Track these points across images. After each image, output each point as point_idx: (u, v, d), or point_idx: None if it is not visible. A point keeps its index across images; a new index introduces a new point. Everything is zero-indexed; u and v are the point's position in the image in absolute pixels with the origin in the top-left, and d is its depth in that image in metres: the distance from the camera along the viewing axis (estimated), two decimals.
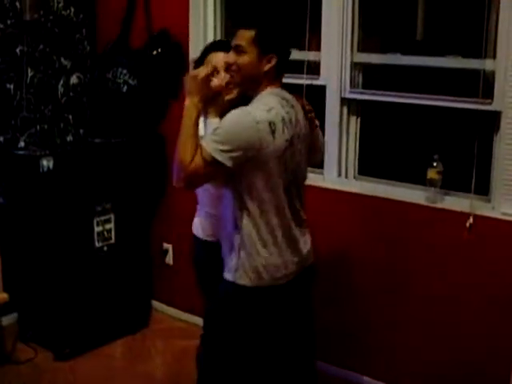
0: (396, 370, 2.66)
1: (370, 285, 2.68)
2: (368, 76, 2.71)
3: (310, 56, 2.76)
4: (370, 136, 2.79)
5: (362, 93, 2.69)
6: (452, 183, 2.52)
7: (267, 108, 1.85)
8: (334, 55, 2.68)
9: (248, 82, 1.91)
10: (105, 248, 3.06)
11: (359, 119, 2.76)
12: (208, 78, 1.89)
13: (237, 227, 1.90)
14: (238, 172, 1.84)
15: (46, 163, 2.81)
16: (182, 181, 1.84)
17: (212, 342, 2.06)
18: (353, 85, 2.70)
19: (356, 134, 2.77)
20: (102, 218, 3.03)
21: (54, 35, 3.23)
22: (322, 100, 2.75)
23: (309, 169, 2.80)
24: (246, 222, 1.88)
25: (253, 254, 1.89)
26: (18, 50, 3.09)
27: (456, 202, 2.47)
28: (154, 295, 3.40)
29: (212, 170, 1.81)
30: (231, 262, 1.93)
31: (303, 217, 2.04)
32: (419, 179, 2.56)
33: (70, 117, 3.37)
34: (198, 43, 2.97)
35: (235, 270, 1.91)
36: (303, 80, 2.76)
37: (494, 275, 2.37)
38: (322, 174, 2.81)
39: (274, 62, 1.89)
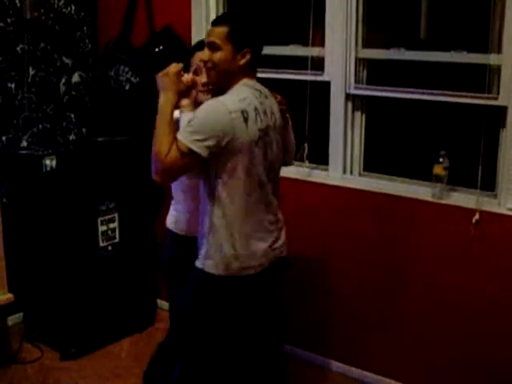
0: (404, 367, 2.67)
1: (376, 281, 2.67)
2: (372, 72, 2.70)
3: (314, 52, 2.75)
4: (375, 132, 2.78)
5: (366, 88, 2.68)
6: (458, 179, 2.51)
7: (240, 98, 1.89)
8: (339, 51, 2.66)
9: (223, 77, 1.94)
10: (109, 247, 3.05)
11: (364, 115, 2.75)
12: (179, 73, 1.93)
13: (208, 216, 1.93)
14: (211, 161, 1.86)
15: (49, 163, 2.80)
16: (159, 174, 1.86)
17: (182, 327, 2.07)
18: (357, 80, 2.68)
19: (361, 130, 2.76)
20: (106, 217, 3.02)
21: (55, 33, 3.21)
22: (326, 96, 2.73)
23: (314, 165, 2.84)
24: (217, 211, 1.91)
25: (222, 243, 1.91)
26: (18, 49, 3.07)
27: (462, 198, 2.47)
28: (159, 294, 3.40)
29: (188, 161, 1.83)
30: (202, 250, 1.96)
31: (276, 210, 2.05)
32: (425, 175, 2.55)
33: (73, 115, 3.35)
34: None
35: (205, 258, 1.94)
36: (307, 76, 2.75)
37: (500, 271, 2.37)
38: (326, 170, 2.81)
39: (248, 56, 1.93)
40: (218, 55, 1.91)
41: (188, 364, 2.07)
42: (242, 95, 1.90)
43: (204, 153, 1.81)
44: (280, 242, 2.06)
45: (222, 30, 1.91)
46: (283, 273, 2.12)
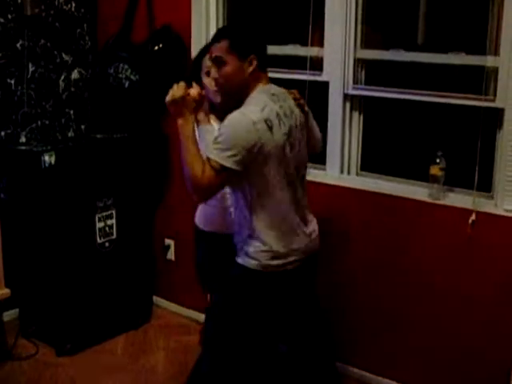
0: (404, 368, 2.68)
1: (372, 281, 2.68)
2: (371, 72, 2.71)
3: (312, 52, 2.75)
4: (373, 132, 2.79)
5: (364, 89, 2.69)
6: (455, 180, 2.52)
7: (260, 107, 1.92)
8: (337, 51, 2.67)
9: (236, 88, 1.97)
10: (106, 244, 3.05)
11: (362, 115, 2.76)
12: (185, 93, 1.96)
13: (247, 222, 1.99)
14: (244, 172, 1.92)
15: (48, 159, 2.80)
16: (199, 194, 1.94)
17: (220, 319, 2.13)
18: (356, 81, 2.69)
19: (359, 130, 2.77)
20: (104, 213, 3.02)
21: (55, 30, 3.21)
22: (324, 96, 2.74)
23: (311, 165, 2.84)
24: (254, 217, 1.98)
25: (262, 242, 1.98)
26: (18, 45, 3.08)
27: (459, 199, 2.48)
28: (155, 291, 3.40)
29: (224, 177, 1.90)
30: (243, 247, 2.02)
31: (306, 205, 2.13)
32: (422, 176, 2.56)
33: (72, 112, 3.36)
34: (200, 38, 2.96)
35: (246, 255, 2.00)
36: (306, 76, 2.76)
37: (496, 272, 2.38)
38: (324, 169, 2.82)
39: (255, 62, 1.96)
40: (225, 70, 1.95)
41: (218, 358, 2.12)
42: (262, 104, 1.93)
43: (237, 167, 1.88)
44: (314, 236, 2.13)
45: (222, 44, 1.94)
46: (316, 266, 2.20)
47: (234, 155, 1.86)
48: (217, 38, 1.99)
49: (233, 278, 2.07)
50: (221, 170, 1.87)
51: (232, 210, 2.11)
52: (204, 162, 1.89)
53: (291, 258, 2.03)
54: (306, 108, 2.14)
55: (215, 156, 1.87)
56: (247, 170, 1.91)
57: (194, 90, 1.99)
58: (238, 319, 2.06)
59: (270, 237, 1.98)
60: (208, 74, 2.12)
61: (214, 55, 1.96)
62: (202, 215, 2.31)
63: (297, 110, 2.06)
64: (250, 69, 1.95)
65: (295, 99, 2.09)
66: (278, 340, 2.27)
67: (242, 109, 1.93)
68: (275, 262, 2.00)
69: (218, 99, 2.11)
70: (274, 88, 2.02)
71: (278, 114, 1.94)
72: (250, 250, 2.00)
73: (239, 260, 2.03)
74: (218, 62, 1.95)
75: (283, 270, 2.02)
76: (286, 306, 2.12)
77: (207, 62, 2.11)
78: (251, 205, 1.97)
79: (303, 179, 2.11)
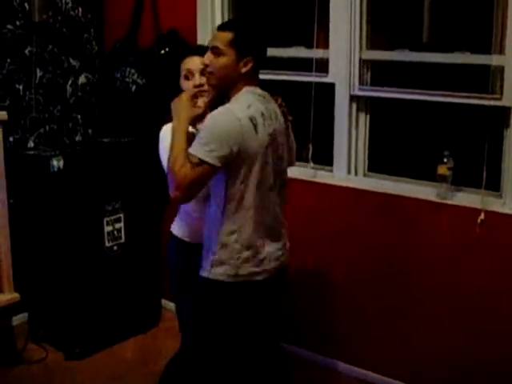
0: (411, 368, 2.66)
1: (380, 281, 2.67)
2: (377, 73, 2.71)
3: (318, 54, 2.76)
4: (380, 133, 2.79)
5: (370, 90, 2.69)
6: (463, 179, 2.51)
7: (246, 105, 1.89)
8: (343, 52, 2.67)
9: (224, 83, 1.94)
10: (115, 247, 3.06)
11: (368, 116, 2.76)
12: (192, 99, 1.96)
13: (219, 224, 1.92)
14: (224, 170, 1.86)
15: (56, 163, 2.82)
16: (175, 189, 1.84)
17: (192, 333, 2.08)
18: (361, 82, 2.70)
19: (365, 131, 2.77)
20: (112, 217, 3.03)
21: (62, 36, 3.24)
22: (330, 98, 2.75)
23: (318, 166, 2.85)
24: (228, 220, 1.90)
25: (233, 249, 1.91)
26: (26, 51, 3.11)
27: (467, 198, 2.47)
28: (164, 294, 3.40)
29: (201, 173, 1.81)
30: (209, 257, 1.94)
31: (282, 216, 2.04)
32: (429, 175, 2.55)
33: (79, 117, 3.38)
34: (206, 42, 2.97)
35: (212, 266, 1.93)
36: (312, 78, 2.76)
37: (505, 271, 2.36)
38: (331, 171, 2.81)
39: (250, 65, 1.92)
40: (220, 60, 1.90)
41: (198, 369, 2.07)
42: (248, 102, 1.90)
43: (217, 163, 1.80)
44: (286, 247, 2.06)
45: (226, 35, 1.90)
46: (286, 284, 2.10)
47: (214, 150, 1.79)
48: (223, 27, 1.96)
49: (198, 291, 1.99)
50: (198, 165, 1.79)
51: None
52: (186, 159, 1.82)
53: (259, 268, 1.94)
54: (290, 117, 2.08)
55: (195, 150, 1.81)
56: (227, 168, 1.84)
57: (201, 101, 2.00)
58: (210, 333, 2.00)
59: (241, 241, 1.90)
60: (186, 77, 2.08)
61: (212, 44, 1.93)
62: (183, 225, 2.20)
63: (280, 116, 2.01)
64: (244, 70, 1.91)
65: (279, 105, 2.04)
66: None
67: (227, 105, 1.90)
68: (244, 271, 1.92)
69: (199, 103, 2.03)
70: (260, 90, 1.99)
71: (262, 114, 1.89)
72: (219, 257, 1.91)
73: (203, 273, 1.95)
74: (215, 52, 1.91)
75: (253, 280, 1.93)
76: (252, 319, 2.02)
77: (186, 65, 2.08)
78: (225, 204, 1.89)
79: (284, 185, 2.02)
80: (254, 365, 2.13)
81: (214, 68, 1.92)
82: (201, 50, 2.07)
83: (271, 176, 1.94)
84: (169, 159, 1.85)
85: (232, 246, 1.91)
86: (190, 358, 2.09)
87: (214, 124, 1.83)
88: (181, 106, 1.93)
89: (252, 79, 1.96)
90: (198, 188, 1.87)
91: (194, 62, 2.08)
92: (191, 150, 1.83)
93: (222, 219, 1.91)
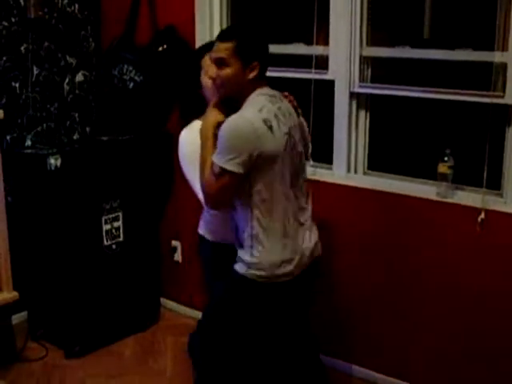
0: (407, 365, 2.66)
1: (379, 281, 2.66)
2: (377, 70, 2.68)
3: (318, 50, 2.73)
4: (380, 131, 2.77)
5: (371, 87, 2.67)
6: (463, 178, 2.50)
7: (258, 108, 1.89)
8: (343, 49, 2.65)
9: (233, 91, 1.94)
10: (113, 246, 3.05)
11: (368, 114, 2.74)
12: (216, 124, 1.96)
13: (248, 225, 1.94)
14: (248, 173, 1.88)
15: (54, 161, 2.80)
16: (206, 201, 1.93)
17: (214, 331, 2.09)
18: (362, 79, 2.67)
19: (365, 128, 2.75)
20: (111, 216, 3.02)
21: (58, 33, 3.20)
22: (330, 95, 2.72)
23: (318, 164, 2.83)
24: (255, 221, 1.92)
25: (263, 250, 1.93)
26: (22, 48, 3.07)
27: (467, 197, 2.45)
28: (163, 292, 3.40)
29: (226, 181, 1.86)
30: (242, 255, 1.96)
31: (308, 211, 2.07)
32: (430, 174, 2.54)
33: (76, 115, 3.35)
34: (204, 39, 2.94)
35: (245, 264, 1.95)
36: (311, 75, 2.74)
37: (506, 271, 2.35)
38: (331, 169, 2.80)
39: (257, 69, 1.92)
40: (226, 71, 1.91)
41: (208, 366, 2.10)
42: (259, 105, 1.90)
43: (239, 170, 1.84)
44: (312, 243, 2.07)
45: (228, 45, 1.89)
46: (318, 275, 2.13)
47: (234, 158, 1.83)
48: (223, 37, 1.94)
49: (228, 286, 2.02)
50: (222, 174, 1.85)
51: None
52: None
53: (289, 268, 1.96)
54: (300, 110, 2.11)
55: (216, 160, 1.86)
56: (249, 173, 1.88)
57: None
58: (229, 328, 2.02)
59: (270, 242, 1.93)
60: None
61: (216, 56, 1.92)
62: (202, 223, 2.25)
63: (293, 112, 2.04)
64: (251, 75, 1.92)
65: (291, 100, 2.07)
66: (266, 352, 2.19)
67: (240, 111, 1.90)
68: (272, 272, 1.93)
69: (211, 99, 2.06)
70: (271, 91, 2.00)
71: (276, 115, 1.91)
72: (247, 258, 1.94)
73: (236, 267, 1.98)
74: (220, 64, 1.91)
75: (281, 281, 1.95)
76: (280, 318, 2.06)
77: (207, 62, 2.07)
78: (251, 207, 1.92)
79: (303, 185, 2.05)
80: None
81: (221, 80, 1.92)
82: (211, 47, 2.03)
83: (293, 173, 1.96)
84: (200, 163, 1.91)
85: (261, 247, 1.92)
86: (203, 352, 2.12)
87: (230, 132, 1.85)
88: (207, 113, 1.96)
89: (260, 81, 1.96)
90: (226, 196, 1.91)
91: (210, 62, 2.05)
92: (213, 159, 1.86)
93: (250, 223, 1.93)
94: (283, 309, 2.04)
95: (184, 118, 2.14)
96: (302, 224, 2.02)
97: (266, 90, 1.98)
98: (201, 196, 1.98)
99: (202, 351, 2.13)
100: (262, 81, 1.98)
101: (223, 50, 1.90)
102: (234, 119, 1.87)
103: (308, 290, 2.13)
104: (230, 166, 1.83)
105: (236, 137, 1.84)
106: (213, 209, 2.01)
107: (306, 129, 2.18)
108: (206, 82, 2.07)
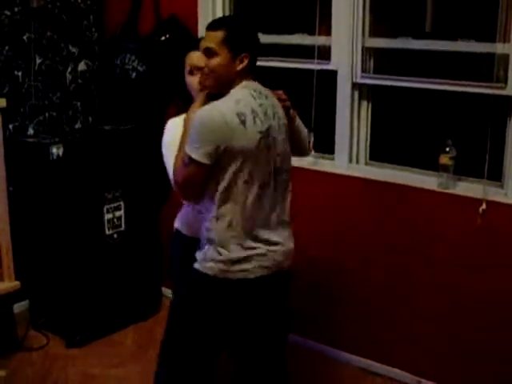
0: (418, 360, 2.67)
1: (381, 271, 2.67)
2: (379, 61, 2.68)
3: (320, 41, 2.73)
4: (382, 121, 2.77)
5: (373, 78, 2.67)
6: (465, 169, 2.50)
7: (235, 100, 1.85)
8: (345, 40, 2.65)
9: (221, 82, 1.90)
10: (115, 235, 3.06)
11: (370, 104, 2.74)
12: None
13: (210, 219, 1.90)
14: (215, 166, 1.84)
15: (56, 151, 2.80)
16: (176, 189, 1.91)
17: (175, 327, 2.08)
18: (364, 70, 2.67)
19: (367, 119, 2.75)
20: (112, 205, 3.02)
21: (61, 22, 3.20)
22: (332, 85, 2.72)
23: (320, 154, 2.84)
24: (219, 215, 1.88)
25: (222, 246, 1.88)
26: (25, 38, 3.07)
27: (469, 188, 2.46)
28: (164, 282, 3.41)
29: (191, 170, 1.82)
30: (202, 252, 1.93)
31: (283, 214, 1.99)
32: (431, 165, 2.54)
33: (79, 104, 3.35)
34: None
35: (203, 260, 1.92)
36: (314, 65, 2.74)
37: (507, 262, 2.36)
38: (332, 159, 2.80)
39: (246, 61, 1.88)
40: (214, 61, 1.86)
41: (172, 363, 2.08)
42: (238, 97, 1.86)
43: (204, 160, 1.80)
44: (284, 250, 1.98)
45: (217, 34, 1.85)
46: (287, 288, 2.06)
47: (201, 147, 1.79)
48: (213, 26, 1.90)
49: (189, 283, 1.98)
50: (189, 163, 1.81)
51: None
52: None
53: (250, 265, 1.89)
54: (292, 111, 2.04)
55: (186, 148, 1.82)
56: (217, 164, 1.82)
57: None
58: (190, 328, 1.98)
59: (231, 238, 1.87)
60: (191, 72, 2.04)
61: (205, 45, 1.88)
62: (179, 216, 2.24)
63: (280, 111, 1.96)
64: (240, 67, 1.87)
65: (280, 100, 2.00)
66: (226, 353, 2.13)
67: (216, 101, 1.86)
68: (234, 268, 1.88)
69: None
70: (257, 86, 1.95)
71: (253, 111, 1.84)
72: (208, 253, 1.90)
73: (196, 265, 1.94)
74: (209, 53, 1.87)
75: (242, 278, 1.89)
76: (241, 318, 1.98)
77: (190, 60, 2.04)
78: (214, 202, 1.87)
79: (284, 184, 1.97)
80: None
81: (209, 69, 1.88)
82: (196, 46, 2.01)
83: (265, 174, 1.89)
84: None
85: (222, 243, 1.88)
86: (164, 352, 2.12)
87: (200, 121, 1.81)
88: (194, 104, 1.93)
89: (248, 74, 1.92)
90: (192, 185, 1.87)
91: (198, 57, 2.01)
92: (185, 148, 1.84)
93: (213, 216, 1.88)
94: (242, 310, 1.97)
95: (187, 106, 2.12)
96: (270, 228, 1.93)
97: (252, 84, 1.92)
98: (173, 184, 1.94)
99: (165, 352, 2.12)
100: (251, 75, 1.93)
101: (212, 38, 1.86)
102: (206, 109, 1.83)
103: (273, 304, 2.02)
104: (196, 156, 1.79)
105: (205, 126, 1.80)
106: (182, 198, 1.98)
107: (300, 128, 2.10)
108: (191, 80, 2.04)
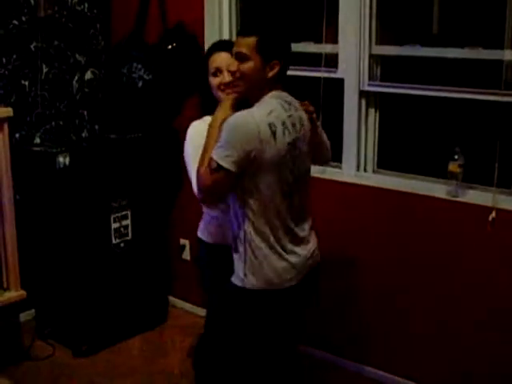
0: (421, 367, 2.64)
1: (390, 279, 2.65)
2: (386, 68, 2.68)
3: (327, 49, 2.73)
4: (389, 129, 2.76)
5: (380, 85, 2.66)
6: (474, 176, 2.48)
7: (267, 111, 1.85)
8: (352, 48, 2.64)
9: (251, 88, 1.91)
10: (122, 244, 3.05)
11: (378, 112, 2.73)
12: (233, 104, 1.95)
13: (241, 232, 1.90)
14: (241, 175, 1.84)
15: (63, 160, 2.80)
16: (199, 193, 1.89)
17: (215, 341, 2.08)
18: (371, 77, 2.66)
19: (375, 127, 2.74)
20: (119, 214, 3.02)
21: (68, 31, 3.22)
22: (340, 93, 2.72)
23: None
24: (248, 226, 1.88)
25: (257, 258, 1.89)
26: (32, 47, 3.09)
27: (478, 196, 2.43)
28: (171, 291, 3.40)
29: (219, 177, 1.81)
30: (238, 265, 1.93)
31: (306, 219, 2.02)
32: (440, 172, 2.52)
33: (85, 113, 3.36)
34: (214, 37, 2.94)
35: (242, 274, 1.91)
36: (321, 73, 2.73)
37: None
38: (340, 167, 2.79)
39: (277, 68, 1.89)
40: (246, 65, 1.87)
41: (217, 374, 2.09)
42: (270, 108, 1.86)
43: (233, 168, 1.79)
44: (312, 250, 2.02)
45: (250, 40, 1.86)
46: (317, 281, 2.09)
47: (231, 155, 1.78)
48: (246, 31, 1.90)
49: (227, 297, 1.99)
50: (217, 169, 1.79)
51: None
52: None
53: (289, 276, 1.92)
54: (318, 123, 2.07)
55: (214, 154, 1.81)
56: (244, 174, 1.83)
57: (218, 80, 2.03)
58: (233, 341, 1.99)
59: (263, 249, 1.88)
60: (215, 74, 2.04)
61: (238, 50, 1.88)
62: (201, 225, 2.22)
63: (306, 123, 1.98)
64: (270, 74, 1.88)
65: (307, 111, 2.01)
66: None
67: (249, 109, 1.86)
68: (272, 280, 1.90)
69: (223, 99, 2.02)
70: (287, 96, 1.96)
71: (284, 123, 1.86)
72: (245, 266, 1.90)
73: (233, 279, 1.94)
74: (241, 58, 1.87)
75: (279, 288, 1.91)
76: (280, 327, 1.99)
77: (214, 62, 2.05)
78: (244, 212, 1.87)
79: (304, 191, 2.00)
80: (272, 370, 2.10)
81: (241, 73, 1.88)
82: (228, 46, 2.01)
83: (290, 184, 1.91)
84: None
85: (255, 255, 1.88)
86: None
87: (233, 128, 1.81)
88: (219, 108, 1.93)
89: (277, 83, 1.92)
90: (219, 194, 1.88)
91: (221, 59, 2.03)
92: (212, 153, 1.82)
93: (243, 228, 1.89)
94: (283, 317, 1.98)
95: (206, 113, 2.11)
96: (296, 234, 1.96)
97: (282, 95, 1.93)
98: (195, 188, 1.92)
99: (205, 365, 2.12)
100: (279, 84, 1.94)
101: (244, 44, 1.86)
102: (241, 115, 1.83)
103: (306, 298, 2.07)
104: (225, 163, 1.78)
105: (237, 134, 1.79)
106: (205, 203, 1.98)
107: (323, 137, 2.12)
108: (216, 81, 2.04)
